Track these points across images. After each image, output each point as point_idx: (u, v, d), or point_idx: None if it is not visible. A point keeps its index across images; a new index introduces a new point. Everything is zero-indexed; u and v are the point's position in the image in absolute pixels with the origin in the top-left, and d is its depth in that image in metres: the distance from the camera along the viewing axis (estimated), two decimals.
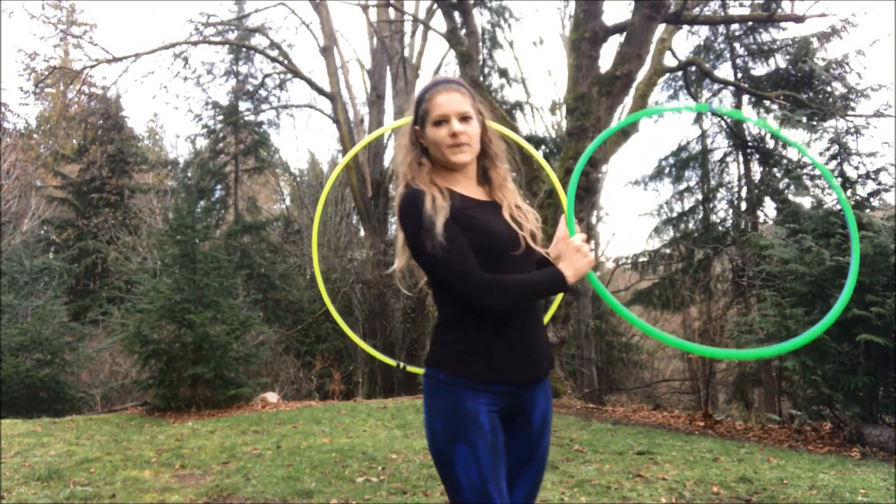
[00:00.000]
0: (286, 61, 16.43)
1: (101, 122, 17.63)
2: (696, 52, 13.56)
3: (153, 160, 19.26)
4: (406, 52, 16.23)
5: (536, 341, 1.64)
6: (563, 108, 12.10)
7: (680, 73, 11.66)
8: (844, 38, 12.41)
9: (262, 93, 17.74)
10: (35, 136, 20.12)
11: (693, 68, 11.75)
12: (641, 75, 9.66)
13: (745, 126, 13.27)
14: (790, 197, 10.75)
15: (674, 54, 11.04)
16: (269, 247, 16.91)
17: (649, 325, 1.62)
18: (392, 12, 15.41)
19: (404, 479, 4.19)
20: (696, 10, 9.85)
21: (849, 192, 6.74)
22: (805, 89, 11.77)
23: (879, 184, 6.80)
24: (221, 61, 17.41)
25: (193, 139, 17.95)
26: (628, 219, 46.94)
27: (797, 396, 8.04)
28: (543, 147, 15.53)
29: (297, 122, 49.49)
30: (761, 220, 13.14)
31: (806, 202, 8.99)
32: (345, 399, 9.83)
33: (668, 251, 14.50)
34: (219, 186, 17.43)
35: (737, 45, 13.45)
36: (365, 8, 15.75)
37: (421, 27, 16.18)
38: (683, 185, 14.43)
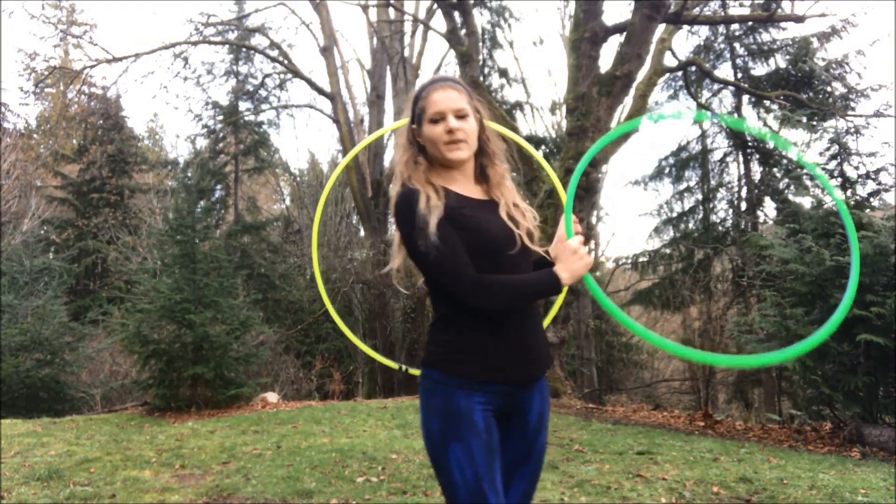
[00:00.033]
0: (286, 61, 16.43)
1: (101, 122, 17.64)
2: (696, 52, 13.57)
3: (153, 160, 19.26)
4: (406, 52, 16.23)
5: (533, 341, 1.64)
6: (563, 108, 12.10)
7: (680, 73, 11.65)
8: (844, 38, 12.43)
9: (262, 93, 17.75)
10: (35, 136, 20.12)
11: (693, 68, 11.75)
12: (641, 75, 9.66)
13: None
14: (790, 197, 10.76)
15: (674, 54, 11.05)
16: (269, 247, 16.92)
17: (647, 329, 1.59)
18: (392, 12, 15.42)
19: (404, 479, 4.19)
20: (696, 10, 9.85)
21: (849, 192, 6.74)
22: (805, 89, 11.78)
23: (879, 184, 6.80)
24: (221, 61, 17.43)
25: (193, 139, 17.98)
26: (628, 219, 46.99)
27: (797, 396, 8.04)
28: (543, 147, 15.53)
29: (297, 122, 49.47)
30: (761, 220, 13.15)
31: (806, 202, 8.97)
32: (345, 399, 9.83)
33: (668, 251, 14.50)
34: (219, 186, 17.43)
35: (737, 45, 13.45)
36: (365, 8, 15.75)
37: (421, 27, 16.20)
38: (683, 185, 14.44)
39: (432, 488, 3.94)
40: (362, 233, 16.30)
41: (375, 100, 16.27)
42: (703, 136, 14.17)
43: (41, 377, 8.11)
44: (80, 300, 14.50)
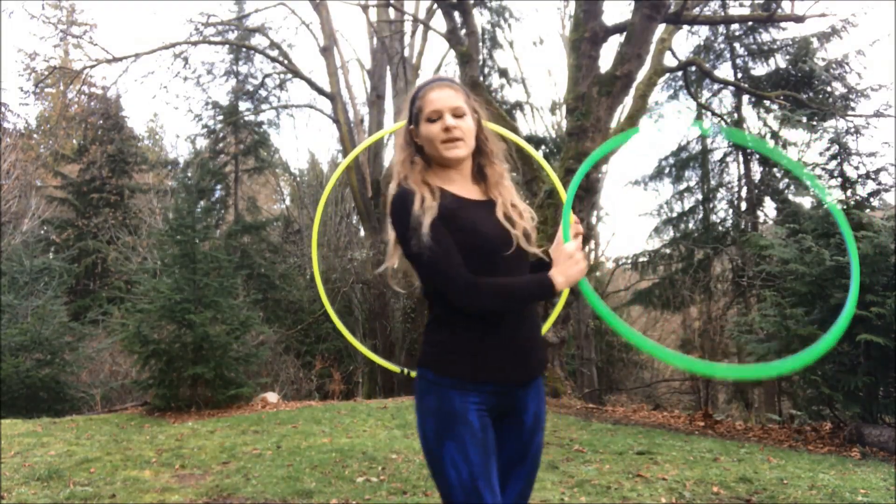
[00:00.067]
0: (286, 61, 16.43)
1: (101, 122, 17.64)
2: (696, 52, 13.57)
3: (153, 160, 19.26)
4: (406, 52, 16.23)
5: (529, 341, 1.63)
6: (563, 108, 12.10)
7: (680, 73, 11.65)
8: (844, 38, 12.44)
9: (262, 93, 17.76)
10: (35, 136, 20.12)
11: (693, 68, 11.75)
12: (641, 75, 9.66)
13: (744, 126, 13.27)
14: (790, 197, 10.77)
15: (674, 54, 11.04)
16: (269, 247, 16.92)
17: (644, 337, 1.55)
18: (392, 12, 15.42)
19: (404, 479, 4.19)
20: (696, 10, 9.85)
21: (849, 192, 6.74)
22: (805, 89, 11.78)
23: (879, 184, 6.80)
24: (221, 61, 17.43)
25: (193, 139, 17.98)
26: (628, 219, 46.98)
27: (797, 396, 8.04)
28: (543, 147, 15.54)
29: (297, 122, 49.44)
30: (761, 220, 13.15)
31: (806, 202, 8.98)
32: (345, 399, 9.83)
33: (668, 251, 14.50)
34: (219, 186, 17.43)
35: (737, 45, 13.46)
36: (365, 8, 15.76)
37: (421, 27, 16.20)
38: (683, 185, 14.44)
39: (432, 488, 3.94)
40: (362, 233, 16.30)
41: (375, 100, 16.27)
42: (703, 136, 14.17)
43: (41, 377, 8.11)
44: (80, 300, 14.50)
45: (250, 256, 15.26)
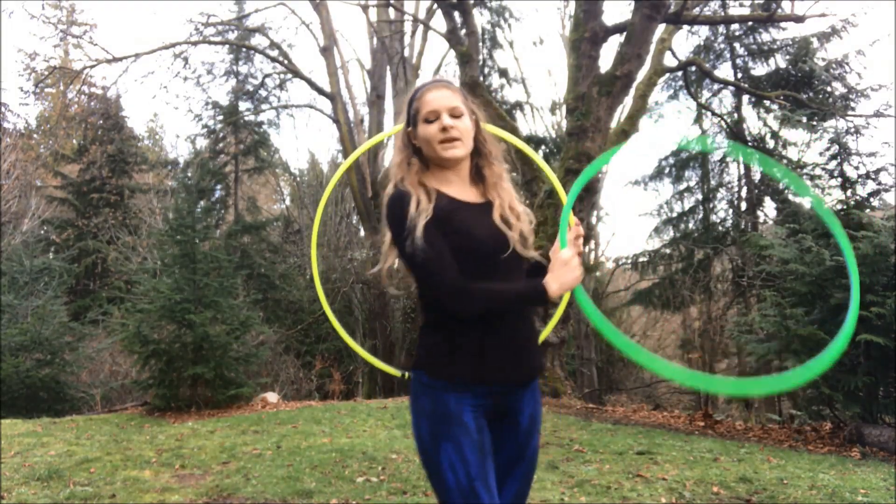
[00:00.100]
0: (286, 61, 16.43)
1: (101, 122, 17.63)
2: (696, 52, 13.57)
3: (153, 160, 19.26)
4: (406, 52, 16.23)
5: (524, 344, 1.63)
6: (563, 108, 12.10)
7: (680, 73, 11.65)
8: (844, 38, 12.43)
9: (262, 93, 17.76)
10: (35, 136, 20.12)
11: (693, 68, 11.75)
12: (641, 75, 9.66)
13: (744, 126, 13.28)
14: (790, 197, 10.76)
15: (674, 54, 11.05)
16: (269, 247, 16.92)
17: (642, 349, 1.50)
18: (392, 12, 15.42)
19: (404, 479, 4.19)
20: (696, 10, 9.86)
21: (849, 192, 6.74)
22: (805, 89, 11.78)
23: (879, 184, 6.80)
24: (221, 61, 17.43)
25: (193, 139, 17.98)
26: (628, 219, 46.97)
27: (797, 396, 8.04)
28: (543, 147, 15.53)
29: (297, 122, 49.41)
30: (761, 220, 13.15)
31: (806, 202, 8.98)
32: (345, 399, 9.84)
33: (668, 251, 14.50)
34: (219, 186, 17.43)
35: (737, 45, 13.45)
36: (365, 8, 15.75)
37: (421, 27, 16.19)
38: (683, 185, 14.43)
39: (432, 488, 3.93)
40: (362, 233, 16.30)
41: (375, 100, 16.27)
42: (704, 136, 14.17)
43: (41, 377, 8.11)
44: (80, 300, 14.50)
45: (250, 256, 15.26)
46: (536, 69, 42.99)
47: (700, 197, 14.18)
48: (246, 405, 8.11)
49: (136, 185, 17.58)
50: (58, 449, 5.18)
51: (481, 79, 12.99)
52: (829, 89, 11.89)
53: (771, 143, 12.90)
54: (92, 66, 13.88)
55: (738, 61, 13.50)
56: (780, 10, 9.86)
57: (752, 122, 13.35)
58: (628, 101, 10.42)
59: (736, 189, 13.92)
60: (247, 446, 5.30)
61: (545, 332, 2.07)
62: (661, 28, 9.99)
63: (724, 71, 13.55)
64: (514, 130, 10.19)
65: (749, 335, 7.00)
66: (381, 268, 1.69)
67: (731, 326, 8.91)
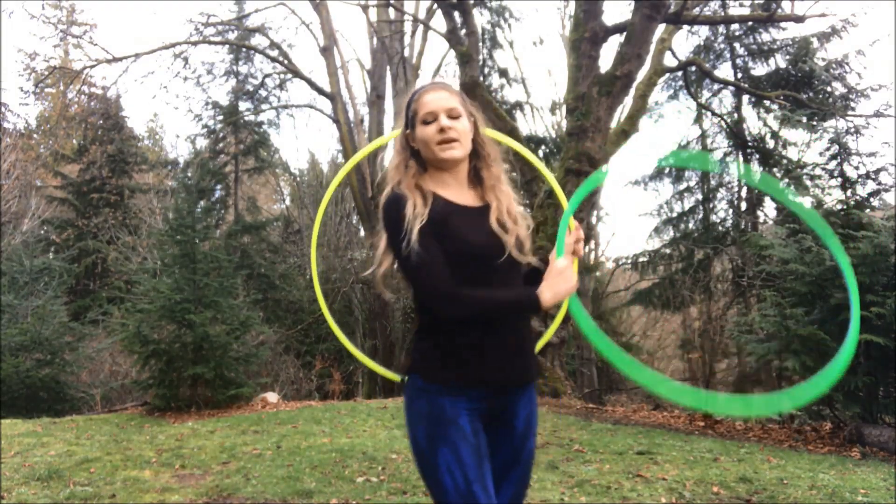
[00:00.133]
0: (286, 61, 16.43)
1: (101, 122, 17.63)
2: (696, 52, 13.57)
3: (153, 160, 19.26)
4: (406, 52, 16.23)
5: (519, 349, 1.62)
6: (563, 108, 12.11)
7: (680, 73, 11.66)
8: (844, 38, 12.43)
9: (262, 93, 17.76)
10: (35, 136, 20.12)
11: (693, 68, 11.76)
12: (641, 75, 9.67)
13: (744, 126, 13.28)
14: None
15: (674, 54, 11.05)
16: (269, 247, 16.92)
17: (640, 365, 1.41)
18: (392, 12, 15.42)
19: (404, 479, 4.19)
20: (696, 10, 9.86)
21: (849, 192, 6.74)
22: (805, 89, 11.78)
23: (879, 184, 6.81)
24: (221, 61, 17.44)
25: (193, 139, 17.99)
26: (628, 219, 46.98)
27: None
28: (543, 147, 15.53)
29: (297, 122, 49.39)
30: (761, 220, 13.15)
31: (806, 202, 8.99)
32: (345, 399, 9.84)
33: (668, 251, 14.50)
34: (219, 186, 17.43)
35: (737, 45, 13.45)
36: (365, 8, 15.75)
37: (421, 27, 16.19)
38: (683, 185, 14.44)
39: None
40: (362, 233, 16.30)
41: (375, 100, 16.27)
42: (703, 136, 14.18)
43: (41, 377, 8.11)
44: (80, 300, 14.49)
45: (250, 256, 15.26)
46: (536, 69, 43.03)
47: (700, 197, 14.19)
48: (246, 405, 8.11)
49: (136, 185, 17.58)
50: (58, 449, 5.18)
51: (481, 79, 12.99)
52: (829, 89, 11.90)
53: (771, 143, 12.90)
54: (92, 66, 13.90)
55: (738, 61, 13.50)
56: (780, 10, 9.86)
57: (752, 122, 13.36)
58: (628, 101, 10.43)
59: (736, 189, 13.92)
60: (247, 446, 5.30)
61: (543, 340, 2.04)
62: (661, 28, 10.00)
63: (724, 71, 13.56)
64: (514, 130, 10.19)
65: (749, 335, 7.00)
66: (375, 271, 1.68)
67: (731, 326, 8.91)
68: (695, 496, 3.79)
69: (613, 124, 9.88)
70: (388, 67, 16.22)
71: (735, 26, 12.80)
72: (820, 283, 5.79)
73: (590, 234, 14.15)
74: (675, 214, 14.45)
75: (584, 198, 1.62)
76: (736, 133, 13.19)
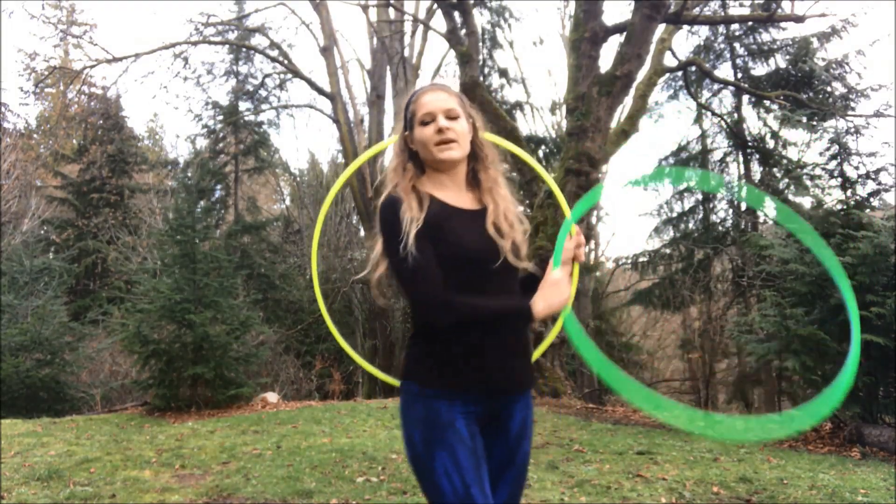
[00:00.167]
0: (286, 61, 16.44)
1: (101, 122, 17.63)
2: (696, 52, 13.57)
3: (153, 160, 19.26)
4: (406, 52, 16.23)
5: (515, 356, 1.61)
6: (563, 108, 12.11)
7: (680, 73, 11.66)
8: (844, 38, 12.43)
9: (262, 93, 17.76)
10: (35, 136, 20.12)
11: (693, 68, 11.76)
12: (641, 75, 9.67)
13: (744, 126, 13.29)
14: (790, 197, 10.76)
15: (674, 54, 11.05)
16: (269, 247, 16.92)
17: (639, 385, 1.37)
18: (392, 12, 15.42)
19: (404, 479, 4.19)
20: (696, 10, 9.86)
21: (849, 192, 6.74)
22: (805, 89, 11.78)
23: (879, 184, 6.80)
24: (221, 61, 17.44)
25: (193, 139, 17.99)
26: (628, 219, 46.98)
27: (797, 396, 8.03)
28: (543, 147, 15.53)
29: (297, 122, 49.42)
30: (761, 220, 13.14)
31: (806, 202, 8.99)
32: (345, 399, 9.84)
33: (668, 251, 14.50)
34: (219, 186, 17.43)
35: (737, 45, 13.46)
36: (365, 8, 15.75)
37: (421, 27, 16.19)
38: (683, 185, 14.42)
39: None
40: (362, 233, 16.30)
41: (375, 100, 16.27)
42: (703, 136, 14.18)
43: (41, 377, 8.11)
44: (80, 300, 14.49)
45: (250, 256, 15.26)
46: (536, 69, 43.06)
47: (700, 197, 14.18)
48: (246, 405, 8.11)
49: (136, 185, 17.57)
50: (58, 449, 5.18)
51: (481, 79, 12.99)
52: (829, 89, 11.90)
53: (771, 143, 12.90)
54: (92, 66, 13.91)
55: (738, 61, 13.50)
56: (780, 10, 9.86)
57: (752, 122, 13.37)
58: (628, 101, 10.43)
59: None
60: (247, 446, 5.30)
61: (544, 345, 2.02)
62: (661, 28, 10.00)
63: (724, 71, 13.57)
64: (514, 130, 10.19)
65: (749, 335, 7.00)
66: (370, 275, 1.66)
67: (731, 326, 8.91)
68: (695, 496, 3.79)
69: (613, 124, 9.88)
70: (388, 67, 16.22)
71: (735, 26, 12.80)
72: (820, 283, 5.78)
73: (590, 235, 14.15)
74: (675, 214, 14.44)
75: (584, 212, 1.61)
76: (736, 133, 13.19)
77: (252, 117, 17.63)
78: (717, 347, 12.49)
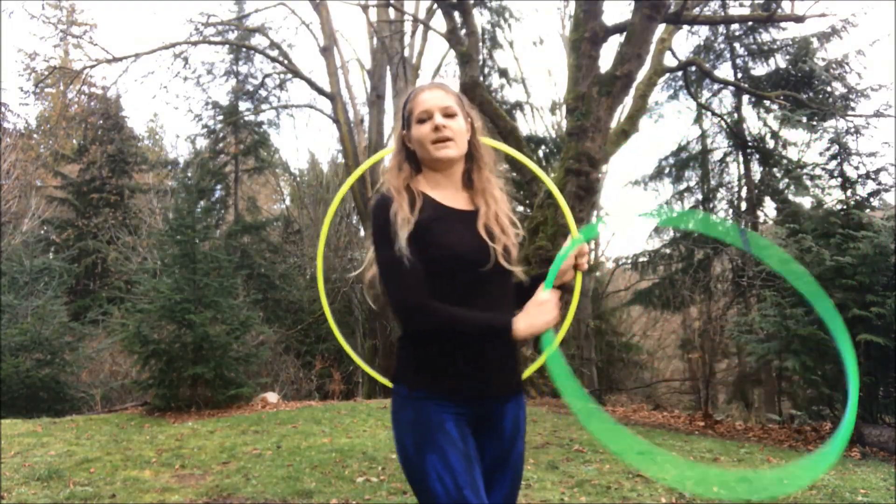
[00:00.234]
0: (286, 61, 16.44)
1: (101, 122, 17.64)
2: (696, 52, 13.56)
3: (153, 160, 19.26)
4: (406, 52, 16.23)
5: (503, 360, 1.59)
6: (563, 108, 12.11)
7: (680, 73, 11.66)
8: (844, 38, 12.41)
9: (262, 93, 17.76)
10: (35, 136, 20.13)
11: (693, 68, 11.75)
12: (641, 75, 9.67)
13: (744, 126, 13.28)
14: (790, 197, 10.76)
15: (674, 54, 11.06)
16: (269, 247, 16.92)
17: (627, 435, 1.35)
18: (392, 12, 15.42)
19: (404, 479, 4.17)
20: (696, 10, 9.86)
21: (849, 192, 6.74)
22: (805, 89, 11.77)
23: (879, 184, 6.80)
24: (221, 61, 17.44)
25: (193, 139, 18.00)
26: (628, 219, 46.94)
27: (797, 396, 8.04)
28: (543, 147, 15.53)
29: (297, 122, 49.56)
30: (761, 220, 13.14)
31: (806, 202, 8.99)
32: (345, 399, 9.84)
33: (668, 251, 14.49)
34: (219, 186, 17.44)
35: (737, 45, 13.45)
36: (365, 8, 15.76)
37: (421, 27, 16.20)
38: (683, 185, 14.43)
39: None
40: (362, 233, 16.30)
41: (375, 100, 16.27)
42: (703, 136, 14.18)
43: (41, 377, 8.11)
44: (80, 300, 14.49)
45: (250, 256, 15.26)
46: (536, 69, 42.97)
47: (700, 197, 14.17)
48: (246, 405, 8.11)
49: (136, 185, 17.58)
50: (58, 449, 5.18)
51: (481, 79, 12.99)
52: (829, 89, 11.89)
53: (771, 143, 12.90)
54: (92, 66, 13.92)
55: (738, 61, 13.49)
56: (780, 10, 9.87)
57: (752, 122, 13.36)
58: (628, 101, 10.44)
59: (736, 189, 13.91)
60: (247, 446, 5.30)
61: (531, 369, 1.99)
62: (661, 28, 10.01)
63: (724, 71, 13.55)
64: (514, 130, 10.19)
65: (749, 335, 7.00)
66: (363, 274, 1.66)
67: (731, 326, 8.90)
68: (695, 496, 3.79)
69: (613, 124, 9.89)
70: (388, 67, 16.22)
71: (735, 26, 12.80)
72: (820, 283, 5.78)
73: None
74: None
75: (574, 248, 1.62)
76: (736, 133, 13.19)
77: (252, 117, 17.63)
78: (717, 347, 12.47)
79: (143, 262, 12.63)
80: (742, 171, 13.61)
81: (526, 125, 16.67)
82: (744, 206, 13.56)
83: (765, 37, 13.07)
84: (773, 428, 6.66)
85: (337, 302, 14.38)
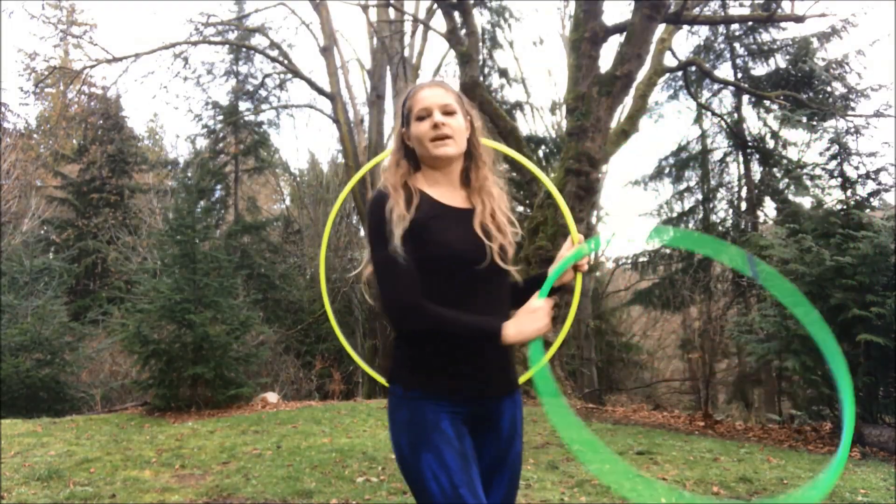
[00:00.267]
0: (286, 61, 16.44)
1: (101, 122, 17.64)
2: (696, 52, 13.56)
3: (153, 160, 19.26)
4: (406, 52, 16.23)
5: (499, 360, 1.59)
6: (563, 108, 12.11)
7: (680, 73, 11.66)
8: (844, 38, 12.41)
9: (262, 93, 17.77)
10: (35, 136, 20.12)
11: (693, 68, 11.75)
12: (641, 75, 9.67)
13: (744, 126, 13.28)
14: (790, 197, 10.76)
15: (674, 54, 11.05)
16: (269, 247, 16.92)
17: (617, 461, 1.33)
18: (392, 12, 15.42)
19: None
20: (696, 10, 9.86)
21: (849, 192, 6.74)
22: (805, 89, 11.77)
23: (879, 184, 6.80)
24: (221, 61, 17.44)
25: (193, 139, 18.00)
26: (628, 219, 46.92)
27: (797, 396, 8.04)
28: (543, 147, 15.53)
29: (297, 122, 49.61)
30: (761, 220, 13.14)
31: (806, 202, 8.98)
32: (345, 399, 9.84)
33: (668, 251, 14.48)
34: (219, 186, 17.44)
35: (737, 45, 13.45)
36: (365, 8, 15.75)
37: (421, 27, 16.20)
38: (683, 185, 14.43)
39: None
40: (362, 233, 16.30)
41: (375, 100, 16.27)
42: (703, 136, 14.18)
43: (41, 377, 8.11)
44: (80, 300, 14.49)
45: (250, 256, 15.27)
46: (536, 69, 42.98)
47: (700, 197, 14.18)
48: (246, 405, 8.11)
49: (136, 185, 17.58)
50: (58, 449, 5.18)
51: (481, 79, 12.99)
52: (829, 89, 11.89)
53: (771, 143, 12.90)
54: (92, 66, 13.91)
55: (738, 61, 13.49)
56: (780, 10, 9.87)
57: (752, 122, 13.36)
58: (628, 101, 10.43)
59: (736, 189, 13.92)
60: (247, 446, 5.30)
61: (529, 372, 2.00)
62: (661, 28, 10.01)
63: (724, 71, 13.55)
64: (514, 130, 10.19)
65: (749, 335, 7.00)
66: (361, 272, 1.66)
67: (731, 326, 8.90)
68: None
69: (613, 124, 9.88)
70: (388, 67, 16.22)
71: (735, 26, 12.80)
72: (820, 283, 5.78)
73: (590, 235, 14.13)
74: (675, 214, 14.44)
75: (573, 261, 1.61)
76: (736, 133, 13.19)
77: (252, 117, 17.63)
78: (717, 347, 12.47)
79: (143, 262, 12.63)
80: (742, 171, 13.62)
81: (526, 125, 16.72)
82: (744, 206, 13.56)
83: (765, 37, 13.07)
84: (773, 428, 6.67)
85: (337, 302, 14.39)
